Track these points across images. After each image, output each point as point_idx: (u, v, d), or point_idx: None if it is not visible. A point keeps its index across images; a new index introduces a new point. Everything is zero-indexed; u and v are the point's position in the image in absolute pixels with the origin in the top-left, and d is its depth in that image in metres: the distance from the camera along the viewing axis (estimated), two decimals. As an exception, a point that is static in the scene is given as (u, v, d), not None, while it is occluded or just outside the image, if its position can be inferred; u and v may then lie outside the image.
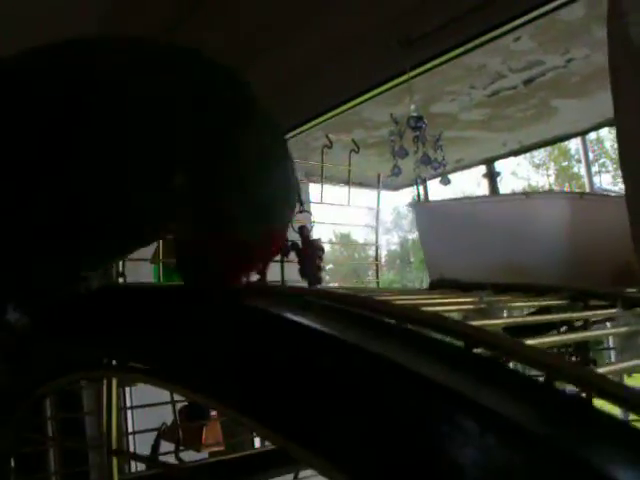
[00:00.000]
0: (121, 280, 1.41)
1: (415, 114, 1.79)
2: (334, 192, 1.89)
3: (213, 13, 2.04)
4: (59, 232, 0.67)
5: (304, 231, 1.49)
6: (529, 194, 0.84)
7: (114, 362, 0.53)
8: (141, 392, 1.75)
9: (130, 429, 2.13)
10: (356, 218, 1.92)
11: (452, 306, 0.49)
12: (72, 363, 0.59)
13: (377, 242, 1.70)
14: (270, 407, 0.33)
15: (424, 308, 0.44)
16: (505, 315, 0.54)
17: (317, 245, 1.47)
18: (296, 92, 2.15)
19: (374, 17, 1.83)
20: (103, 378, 0.61)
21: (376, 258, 1.80)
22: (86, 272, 0.73)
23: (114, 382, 0.60)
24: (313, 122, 2.21)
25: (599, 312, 0.55)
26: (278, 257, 1.56)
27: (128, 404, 2.29)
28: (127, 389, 2.31)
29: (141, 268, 1.73)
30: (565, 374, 0.30)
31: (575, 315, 0.52)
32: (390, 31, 1.80)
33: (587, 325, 0.55)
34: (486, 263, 0.77)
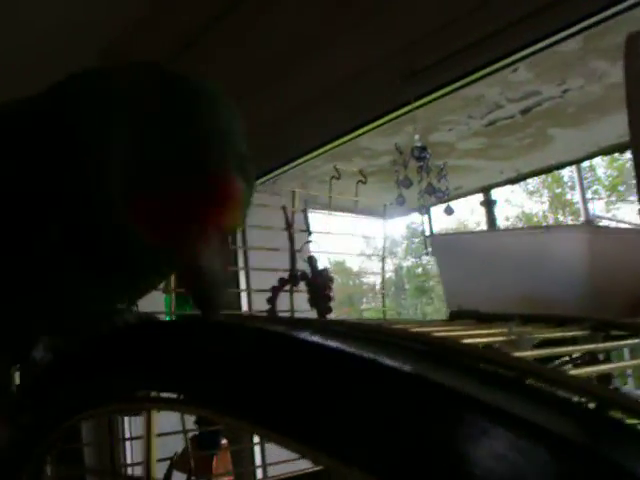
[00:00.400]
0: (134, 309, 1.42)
1: (419, 144, 1.82)
2: (332, 220, 1.91)
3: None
4: (88, 266, 0.69)
5: (313, 261, 1.51)
6: (549, 227, 0.87)
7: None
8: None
9: (130, 459, 2.13)
10: (352, 246, 1.94)
11: (484, 338, 0.51)
12: (105, 395, 0.60)
13: (383, 270, 1.72)
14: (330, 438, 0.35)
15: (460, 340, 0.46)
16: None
17: (326, 275, 1.49)
18: (298, 123, 2.18)
19: (378, 49, 1.87)
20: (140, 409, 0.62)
21: (382, 287, 1.82)
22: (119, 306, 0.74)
23: (152, 413, 0.61)
24: (315, 152, 2.24)
25: (622, 342, 0.57)
26: (287, 287, 1.58)
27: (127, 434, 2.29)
28: (126, 419, 2.31)
29: (153, 298, 1.74)
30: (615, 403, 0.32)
31: (600, 346, 0.54)
32: (394, 62, 1.83)
33: (609, 355, 0.57)
34: (505, 295, 0.79)
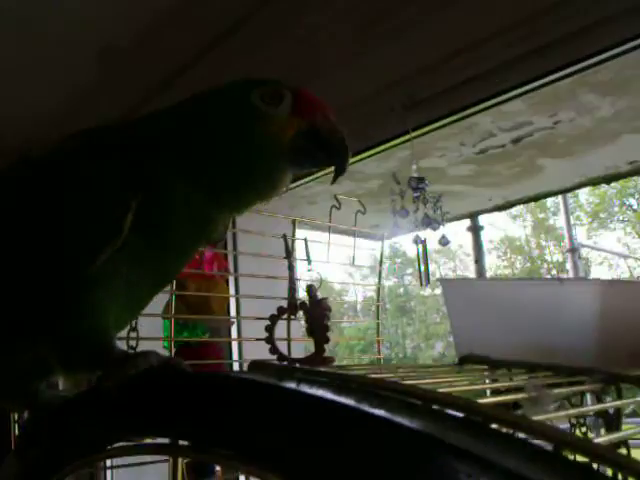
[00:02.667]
0: (133, 334, 1.43)
1: (416, 175, 1.83)
2: (316, 236, 1.93)
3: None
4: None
5: (312, 290, 1.52)
6: (563, 280, 0.88)
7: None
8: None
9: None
10: (337, 264, 1.95)
11: (505, 395, 0.52)
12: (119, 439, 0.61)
13: (379, 293, 1.73)
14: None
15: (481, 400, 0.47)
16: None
17: (324, 305, 1.50)
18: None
19: (379, 78, 1.89)
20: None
21: (377, 299, 1.83)
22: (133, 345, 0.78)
23: (179, 461, 0.61)
24: (312, 176, 2.25)
25: (631, 400, 0.58)
26: (285, 315, 1.59)
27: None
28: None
29: (153, 323, 1.75)
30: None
31: (611, 405, 0.55)
32: (395, 92, 1.85)
33: (620, 413, 0.58)
34: (516, 342, 0.80)
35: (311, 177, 2.30)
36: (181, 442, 0.52)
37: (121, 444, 0.61)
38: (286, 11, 1.69)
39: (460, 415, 0.39)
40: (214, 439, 0.47)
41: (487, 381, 0.57)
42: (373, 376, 0.45)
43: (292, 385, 0.42)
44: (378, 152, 2.04)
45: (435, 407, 0.40)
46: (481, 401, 0.48)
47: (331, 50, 1.84)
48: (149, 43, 1.87)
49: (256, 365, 0.61)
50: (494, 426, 0.38)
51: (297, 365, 0.67)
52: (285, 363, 0.56)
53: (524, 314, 0.83)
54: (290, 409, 0.41)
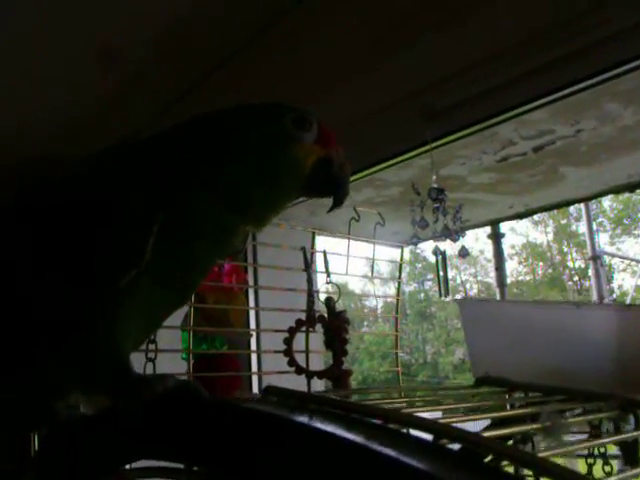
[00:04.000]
0: (152, 346, 1.43)
1: (436, 186, 1.83)
2: (335, 243, 1.92)
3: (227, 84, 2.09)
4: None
5: (331, 303, 1.52)
6: (579, 304, 0.88)
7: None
8: None
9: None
10: (354, 269, 1.95)
11: (520, 426, 0.51)
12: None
13: (398, 305, 1.73)
14: None
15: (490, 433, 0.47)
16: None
17: (343, 318, 1.50)
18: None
19: (400, 87, 1.88)
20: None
21: (397, 311, 1.83)
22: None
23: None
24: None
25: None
26: (304, 327, 1.59)
27: None
28: None
29: (172, 335, 1.76)
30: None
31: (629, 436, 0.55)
32: (415, 102, 1.85)
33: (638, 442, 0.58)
34: (532, 364, 0.80)
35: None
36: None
37: (137, 465, 0.62)
38: (302, 22, 1.69)
39: (470, 453, 0.38)
40: (225, 469, 0.47)
41: (502, 405, 0.57)
42: (387, 407, 0.45)
43: (304, 419, 0.42)
44: (398, 162, 2.04)
45: (445, 442, 0.40)
46: (493, 433, 0.48)
47: (348, 60, 1.84)
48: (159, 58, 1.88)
49: (271, 391, 0.61)
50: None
51: (312, 392, 0.67)
52: (300, 390, 0.57)
53: (541, 337, 0.83)
54: (300, 444, 0.41)
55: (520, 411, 0.57)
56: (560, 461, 0.56)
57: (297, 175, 0.90)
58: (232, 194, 0.86)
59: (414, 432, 0.46)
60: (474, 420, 0.54)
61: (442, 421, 0.48)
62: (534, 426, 0.52)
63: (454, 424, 0.47)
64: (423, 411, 0.57)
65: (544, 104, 1.76)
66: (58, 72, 1.84)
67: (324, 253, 1.52)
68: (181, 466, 0.55)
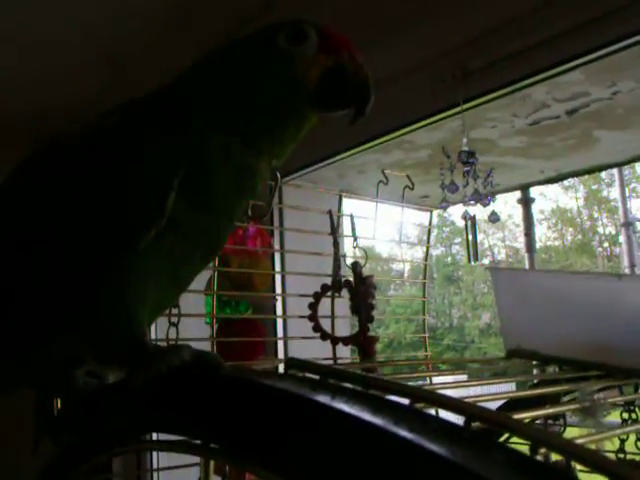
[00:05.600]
0: (175, 311, 1.42)
1: (466, 149, 1.78)
2: (363, 206, 1.89)
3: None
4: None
5: (357, 268, 1.49)
6: (621, 276, 0.84)
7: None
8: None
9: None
10: (382, 232, 1.92)
11: (557, 407, 0.49)
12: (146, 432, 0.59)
13: (426, 270, 1.70)
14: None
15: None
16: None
17: (370, 283, 1.47)
18: (342, 118, 2.16)
19: (431, 47, 1.83)
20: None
21: (424, 276, 1.80)
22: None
23: (211, 464, 0.60)
24: (359, 148, 2.21)
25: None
26: (329, 292, 1.56)
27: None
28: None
29: (195, 300, 1.75)
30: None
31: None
32: (446, 62, 1.80)
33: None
34: (567, 338, 0.77)
35: (361, 147, 2.26)
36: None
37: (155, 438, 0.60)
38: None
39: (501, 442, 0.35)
40: (241, 447, 0.45)
41: (535, 381, 0.54)
42: (417, 386, 0.42)
43: (327, 399, 0.40)
44: (428, 124, 1.99)
45: (478, 425, 0.37)
46: (528, 415, 0.45)
47: (380, 19, 1.78)
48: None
49: (294, 364, 0.59)
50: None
51: (337, 366, 0.65)
52: (324, 364, 0.55)
53: (577, 309, 0.79)
54: (320, 427, 0.38)
55: (554, 388, 0.54)
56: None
57: (300, 92, 0.86)
58: (244, 128, 0.84)
59: (443, 413, 0.43)
60: (507, 398, 0.51)
61: (473, 400, 0.45)
62: (571, 407, 0.49)
63: (485, 404, 0.44)
64: (452, 387, 0.54)
65: (580, 65, 1.70)
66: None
67: (351, 217, 1.49)
68: (198, 442, 0.53)
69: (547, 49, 1.67)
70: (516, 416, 0.43)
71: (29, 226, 0.74)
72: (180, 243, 0.79)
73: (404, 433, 0.34)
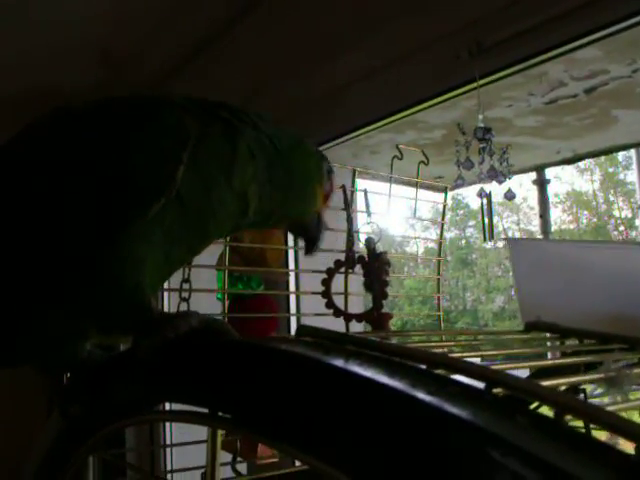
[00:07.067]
0: (186, 286, 1.41)
1: (482, 125, 1.75)
2: (377, 187, 1.87)
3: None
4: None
5: (371, 244, 1.47)
6: None
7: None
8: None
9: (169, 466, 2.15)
10: (396, 212, 1.89)
11: (579, 375, 0.47)
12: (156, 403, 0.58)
13: (441, 248, 1.68)
14: None
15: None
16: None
17: (384, 259, 1.45)
18: (360, 94, 2.13)
19: (446, 22, 1.80)
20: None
21: (439, 253, 1.78)
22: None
23: (218, 433, 0.58)
24: (373, 125, 2.18)
25: None
26: (343, 269, 1.55)
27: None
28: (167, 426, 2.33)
29: (206, 274, 1.73)
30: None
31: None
32: (461, 37, 1.76)
33: None
34: (587, 309, 0.74)
35: (374, 125, 2.24)
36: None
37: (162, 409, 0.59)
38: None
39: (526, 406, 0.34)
40: (252, 415, 0.43)
41: (557, 353, 0.52)
42: (433, 350, 0.40)
43: (340, 361, 0.38)
44: (443, 101, 1.95)
45: (499, 391, 0.35)
46: (553, 382, 0.43)
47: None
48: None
49: (304, 331, 0.57)
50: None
51: (349, 333, 0.63)
52: (335, 330, 0.53)
53: (598, 280, 0.77)
54: (335, 390, 0.37)
55: (575, 359, 0.52)
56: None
57: (313, 208, 1.00)
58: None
59: (461, 378, 0.42)
60: (525, 367, 0.49)
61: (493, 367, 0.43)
62: (595, 376, 0.47)
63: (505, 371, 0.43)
64: (469, 356, 0.52)
65: (597, 39, 1.65)
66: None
67: (365, 191, 1.47)
68: (206, 411, 0.51)
69: (563, 23, 1.63)
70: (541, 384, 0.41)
71: (34, 191, 0.73)
72: (183, 218, 0.78)
73: (422, 395, 0.32)
